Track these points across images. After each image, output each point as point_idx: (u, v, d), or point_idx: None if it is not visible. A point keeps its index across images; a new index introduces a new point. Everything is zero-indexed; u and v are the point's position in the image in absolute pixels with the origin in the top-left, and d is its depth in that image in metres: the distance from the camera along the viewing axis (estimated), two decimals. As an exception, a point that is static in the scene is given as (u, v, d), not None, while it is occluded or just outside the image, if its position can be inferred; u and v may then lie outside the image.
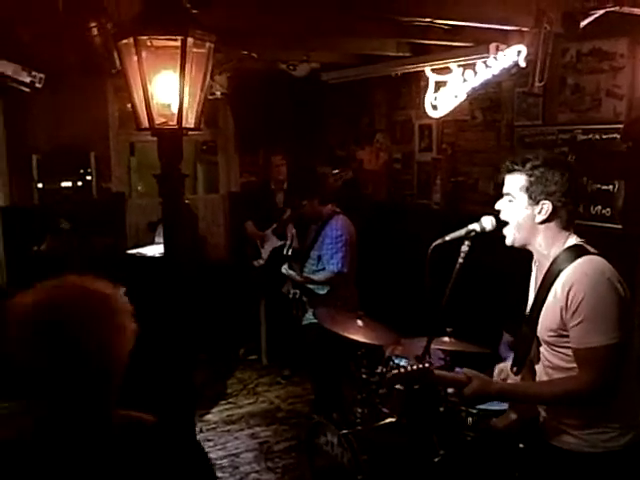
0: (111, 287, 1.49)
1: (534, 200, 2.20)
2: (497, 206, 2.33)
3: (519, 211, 2.25)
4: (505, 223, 2.32)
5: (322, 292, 4.64)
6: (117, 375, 1.45)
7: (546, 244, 2.25)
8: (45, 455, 1.39)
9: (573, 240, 2.23)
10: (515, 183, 2.25)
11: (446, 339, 3.52)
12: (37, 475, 1.39)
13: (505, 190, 2.30)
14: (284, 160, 6.09)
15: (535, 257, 2.34)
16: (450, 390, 2.92)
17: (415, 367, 2.32)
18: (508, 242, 2.32)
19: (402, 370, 2.34)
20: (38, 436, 1.41)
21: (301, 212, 4.76)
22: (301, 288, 4.71)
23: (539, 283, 2.27)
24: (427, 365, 2.34)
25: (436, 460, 3.06)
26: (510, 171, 2.28)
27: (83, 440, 1.42)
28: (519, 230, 2.27)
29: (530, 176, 2.21)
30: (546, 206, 2.19)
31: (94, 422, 1.43)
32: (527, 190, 2.21)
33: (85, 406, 1.41)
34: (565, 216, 2.23)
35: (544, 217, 2.21)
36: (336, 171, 6.03)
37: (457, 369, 2.46)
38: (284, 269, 4.82)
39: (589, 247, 2.21)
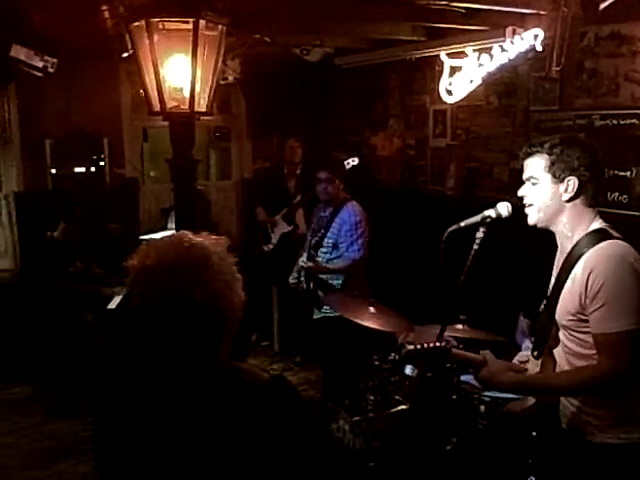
0: (218, 244, 1.55)
1: (559, 178, 2.16)
2: (520, 193, 2.27)
3: (545, 192, 2.20)
4: (523, 207, 2.28)
5: (337, 281, 4.58)
6: (229, 325, 1.52)
7: (571, 224, 2.21)
8: (158, 402, 1.49)
9: (597, 224, 2.19)
10: (537, 165, 2.21)
11: (460, 326, 3.49)
12: (149, 419, 1.48)
13: (526, 175, 2.25)
14: (299, 142, 6.05)
15: (558, 240, 2.30)
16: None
17: (432, 345, 2.30)
18: (531, 222, 2.27)
19: (419, 347, 2.31)
20: (154, 383, 1.51)
21: (323, 191, 4.59)
22: (316, 280, 4.61)
23: (560, 266, 2.24)
24: (444, 344, 2.31)
25: (448, 448, 3.04)
26: (529, 154, 2.24)
27: (194, 386, 1.50)
28: (545, 210, 2.22)
29: (551, 155, 2.17)
30: (572, 182, 2.16)
31: (206, 367, 1.50)
32: (550, 169, 2.17)
33: (197, 353, 1.49)
34: (591, 191, 2.18)
35: (571, 194, 2.17)
36: (345, 157, 6.01)
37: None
38: (302, 261, 4.68)
39: (613, 231, 2.17)
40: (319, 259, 4.61)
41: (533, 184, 2.23)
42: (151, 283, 1.45)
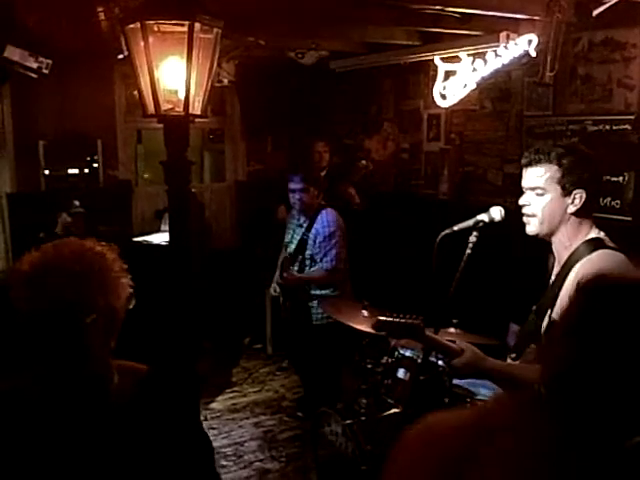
0: (105, 247, 1.54)
1: (567, 190, 2.14)
2: (521, 202, 2.23)
3: (551, 203, 2.16)
4: (520, 215, 2.27)
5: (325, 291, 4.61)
6: (110, 327, 1.50)
7: (570, 234, 2.19)
8: (43, 406, 1.45)
9: (594, 233, 2.18)
10: (543, 175, 2.16)
11: (452, 330, 3.50)
12: (36, 425, 1.44)
13: (530, 184, 2.20)
14: (327, 147, 6.01)
15: (554, 249, 2.27)
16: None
17: (405, 320, 2.29)
18: (532, 232, 2.24)
19: (390, 319, 2.31)
20: (37, 388, 1.47)
21: (299, 202, 4.56)
22: (300, 293, 4.61)
23: (555, 274, 2.23)
24: (418, 321, 2.30)
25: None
26: (535, 163, 2.18)
27: (82, 392, 1.48)
28: (550, 222, 2.19)
29: (560, 166, 2.13)
30: (579, 195, 2.14)
31: (93, 369, 1.49)
32: (560, 181, 2.14)
33: (79, 355, 1.47)
34: (592, 202, 2.18)
35: (578, 206, 2.15)
36: (364, 162, 6.03)
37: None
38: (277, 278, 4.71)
39: (608, 241, 2.17)
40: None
41: (538, 194, 2.19)
42: (53, 290, 1.41)
